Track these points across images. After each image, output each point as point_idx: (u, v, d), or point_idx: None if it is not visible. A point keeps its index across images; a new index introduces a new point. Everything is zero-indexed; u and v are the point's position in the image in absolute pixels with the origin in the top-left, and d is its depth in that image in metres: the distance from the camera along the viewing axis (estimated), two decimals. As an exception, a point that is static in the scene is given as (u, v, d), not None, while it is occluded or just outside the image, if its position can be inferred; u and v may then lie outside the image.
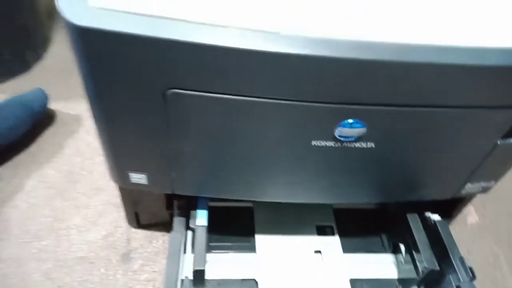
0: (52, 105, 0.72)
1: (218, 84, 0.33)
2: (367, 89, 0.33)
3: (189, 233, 0.50)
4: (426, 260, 0.46)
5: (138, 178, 0.44)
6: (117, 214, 0.60)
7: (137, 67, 0.32)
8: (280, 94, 0.34)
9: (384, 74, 0.32)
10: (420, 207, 0.51)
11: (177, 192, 0.46)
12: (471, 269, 0.45)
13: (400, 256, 0.52)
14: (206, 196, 0.50)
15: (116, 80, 0.33)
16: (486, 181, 0.47)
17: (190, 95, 0.33)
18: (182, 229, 0.49)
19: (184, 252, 0.49)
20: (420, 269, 0.47)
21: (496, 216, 0.66)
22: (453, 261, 0.46)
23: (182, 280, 0.46)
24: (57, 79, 0.77)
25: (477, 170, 0.44)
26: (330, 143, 0.38)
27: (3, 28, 0.75)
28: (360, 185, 0.45)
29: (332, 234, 0.56)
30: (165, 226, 0.56)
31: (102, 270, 0.55)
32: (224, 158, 0.41)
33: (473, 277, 0.45)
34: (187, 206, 0.51)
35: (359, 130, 0.36)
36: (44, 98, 0.69)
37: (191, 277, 0.47)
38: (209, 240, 0.50)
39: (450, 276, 0.46)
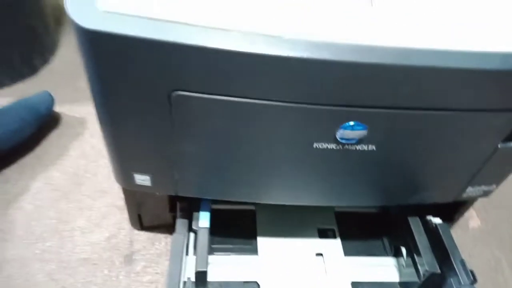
0: (58, 108, 0.73)
1: (221, 86, 0.33)
2: (368, 92, 0.34)
3: (192, 235, 0.51)
4: (427, 263, 0.47)
5: (142, 179, 0.44)
6: (120, 216, 0.60)
7: (143, 70, 0.32)
8: (283, 96, 0.34)
9: (385, 78, 0.33)
10: (422, 211, 0.51)
11: (180, 194, 0.46)
12: (472, 272, 0.45)
13: (401, 259, 0.52)
14: (209, 198, 0.50)
15: (122, 82, 0.34)
16: (487, 185, 0.47)
17: (195, 97, 0.34)
18: (185, 231, 0.50)
19: (187, 254, 0.49)
20: (421, 272, 0.47)
21: (498, 221, 0.66)
22: (454, 264, 0.46)
23: (185, 282, 0.47)
24: (64, 82, 0.78)
25: (478, 173, 0.44)
26: (332, 146, 0.38)
27: (11, 32, 0.76)
28: (361, 188, 0.46)
29: (334, 237, 0.56)
30: (168, 228, 0.57)
31: (105, 272, 0.55)
32: (227, 160, 0.41)
33: (474, 280, 0.45)
34: (189, 208, 0.51)
35: (360, 132, 0.37)
36: (51, 101, 0.70)
37: (193, 278, 0.47)
38: (211, 242, 0.51)
39: (451, 279, 0.46)
